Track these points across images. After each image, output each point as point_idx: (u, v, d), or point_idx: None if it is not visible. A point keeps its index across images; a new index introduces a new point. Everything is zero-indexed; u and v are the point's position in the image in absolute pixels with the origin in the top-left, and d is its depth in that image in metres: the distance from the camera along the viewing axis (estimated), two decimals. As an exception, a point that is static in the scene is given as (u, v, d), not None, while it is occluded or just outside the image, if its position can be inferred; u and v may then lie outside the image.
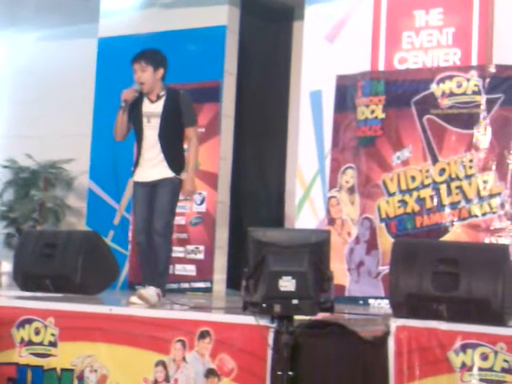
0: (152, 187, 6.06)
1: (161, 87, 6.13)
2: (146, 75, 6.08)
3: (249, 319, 4.74)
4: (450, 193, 7.26)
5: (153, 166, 6.07)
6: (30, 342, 5.38)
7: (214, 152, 8.64)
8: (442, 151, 7.35)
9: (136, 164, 6.18)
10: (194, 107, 6.32)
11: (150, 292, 5.81)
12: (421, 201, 7.37)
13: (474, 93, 7.27)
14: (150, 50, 6.29)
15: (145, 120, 6.09)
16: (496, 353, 4.42)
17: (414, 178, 7.42)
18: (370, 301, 7.37)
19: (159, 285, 5.92)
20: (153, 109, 6.09)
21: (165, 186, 6.03)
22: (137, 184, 6.17)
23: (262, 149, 9.28)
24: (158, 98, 6.11)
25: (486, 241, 7.02)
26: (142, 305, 5.75)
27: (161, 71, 6.12)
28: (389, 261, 5.16)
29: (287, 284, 4.51)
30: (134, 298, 5.90)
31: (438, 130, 7.39)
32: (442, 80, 7.41)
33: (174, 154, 6.09)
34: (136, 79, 6.12)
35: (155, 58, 6.19)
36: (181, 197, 6.20)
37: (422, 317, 4.70)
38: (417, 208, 7.37)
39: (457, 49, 7.58)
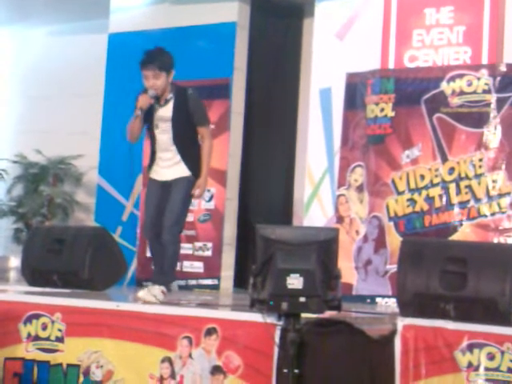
0: (167, 186, 6.05)
1: (169, 90, 6.01)
2: (159, 82, 5.93)
3: (256, 317, 4.73)
4: (459, 192, 7.25)
5: (169, 167, 6.05)
6: (37, 337, 5.39)
7: (223, 149, 8.64)
8: (452, 150, 7.34)
9: (152, 161, 6.14)
10: (203, 105, 6.24)
11: (153, 291, 5.80)
12: (430, 200, 7.35)
13: (485, 91, 7.25)
14: (159, 52, 6.07)
15: (156, 124, 6.02)
16: (503, 353, 4.41)
17: (423, 177, 7.40)
18: (378, 299, 7.36)
19: (164, 282, 5.91)
20: (162, 113, 6.01)
21: (179, 185, 6.01)
22: (152, 181, 6.15)
23: (271, 146, 9.27)
24: (166, 101, 6.01)
25: (495, 240, 7.00)
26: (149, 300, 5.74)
27: (172, 73, 5.99)
28: (397, 260, 5.15)
29: (295, 282, 4.51)
30: (141, 294, 5.89)
31: (447, 129, 7.37)
32: (453, 78, 7.39)
33: (190, 155, 6.05)
34: (148, 86, 5.95)
35: (167, 61, 6.01)
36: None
37: (429, 316, 4.69)
38: (426, 207, 7.36)
39: (467, 47, 7.56)
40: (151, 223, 6.07)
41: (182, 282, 8.41)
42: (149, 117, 6.06)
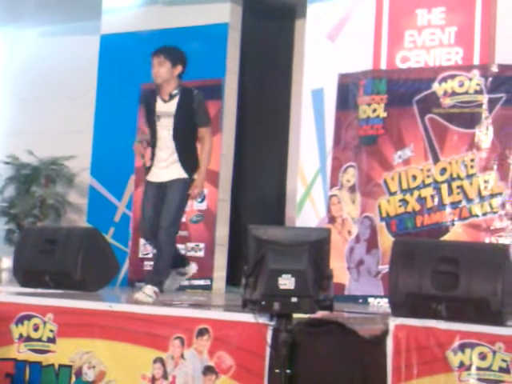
0: (163, 188, 6.05)
1: (175, 85, 6.04)
2: (162, 70, 6.01)
3: (248, 317, 4.74)
4: (450, 192, 7.26)
5: (165, 167, 6.04)
6: (29, 338, 5.39)
7: (215, 149, 8.54)
8: (444, 150, 7.35)
9: (149, 165, 6.14)
10: (207, 107, 6.25)
11: (147, 291, 5.80)
12: (422, 200, 7.36)
13: (476, 92, 7.26)
14: (171, 47, 6.20)
15: (157, 120, 6.03)
16: (494, 352, 4.42)
17: (415, 177, 7.41)
18: (370, 300, 7.37)
19: (157, 282, 5.91)
20: (166, 108, 6.02)
21: (175, 186, 6.01)
22: (149, 183, 6.14)
23: (263, 147, 9.28)
24: (171, 97, 6.02)
25: (487, 240, 7.01)
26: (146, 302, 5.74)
27: (179, 68, 6.04)
28: (389, 260, 5.15)
29: (287, 282, 4.51)
30: (137, 295, 5.90)
31: (439, 130, 7.38)
32: (444, 79, 7.40)
33: (187, 155, 6.05)
34: (152, 74, 6.05)
35: (175, 54, 6.11)
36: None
37: (421, 316, 4.69)
38: (417, 207, 7.36)
39: (459, 48, 7.57)
40: (149, 225, 6.07)
41: (175, 283, 8.41)
42: (150, 113, 6.09)
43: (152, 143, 6.11)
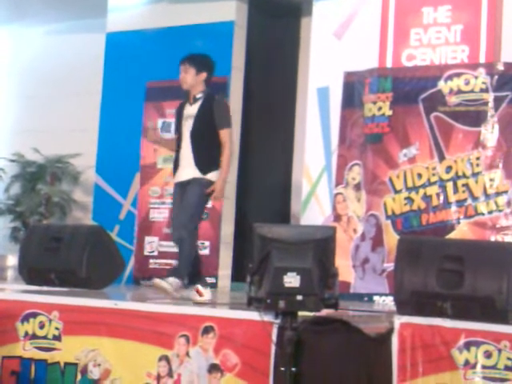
0: (184, 187, 6.26)
1: (200, 90, 6.32)
2: (188, 76, 6.32)
3: (253, 315, 4.73)
4: (456, 190, 7.26)
5: (186, 166, 6.25)
6: (34, 336, 5.38)
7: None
8: (449, 149, 7.35)
9: (175, 165, 6.35)
10: (227, 109, 6.44)
11: (169, 280, 5.90)
12: (427, 198, 7.36)
13: (482, 90, 7.26)
14: (198, 54, 6.51)
15: (184, 122, 6.32)
16: (500, 351, 4.40)
17: (420, 176, 7.42)
18: (375, 298, 7.37)
19: (179, 276, 6.00)
20: (190, 111, 6.31)
21: (192, 185, 6.21)
22: (175, 184, 6.39)
23: (268, 145, 9.27)
24: (195, 100, 6.31)
25: (492, 239, 7.01)
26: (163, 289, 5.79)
27: (203, 74, 6.32)
28: (394, 258, 5.15)
29: (292, 280, 4.50)
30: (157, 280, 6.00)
31: (445, 128, 7.38)
32: (450, 77, 7.40)
33: (203, 155, 6.24)
34: (180, 79, 6.36)
35: (200, 61, 6.40)
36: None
37: (426, 314, 4.68)
38: (423, 205, 7.37)
39: (465, 46, 7.56)
40: (173, 223, 6.29)
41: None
42: (180, 116, 6.38)
43: (178, 144, 6.33)
